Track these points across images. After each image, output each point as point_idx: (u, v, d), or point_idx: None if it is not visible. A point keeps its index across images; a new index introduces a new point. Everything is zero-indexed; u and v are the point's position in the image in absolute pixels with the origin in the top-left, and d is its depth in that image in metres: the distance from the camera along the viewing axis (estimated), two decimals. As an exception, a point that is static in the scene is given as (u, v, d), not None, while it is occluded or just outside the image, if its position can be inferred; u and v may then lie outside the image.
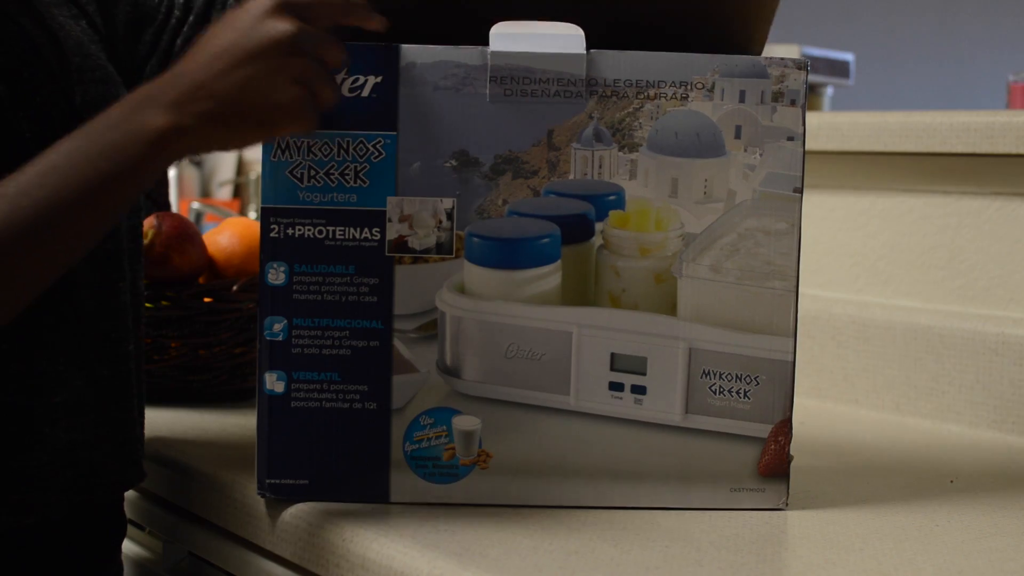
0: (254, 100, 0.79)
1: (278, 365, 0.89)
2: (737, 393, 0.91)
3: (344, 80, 0.87)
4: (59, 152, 0.80)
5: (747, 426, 0.91)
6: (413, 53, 0.87)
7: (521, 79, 0.88)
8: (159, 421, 1.14)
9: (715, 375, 0.91)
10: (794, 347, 0.91)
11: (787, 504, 0.91)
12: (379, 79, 0.87)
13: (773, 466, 0.91)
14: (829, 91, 1.98)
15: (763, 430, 0.91)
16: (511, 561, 0.79)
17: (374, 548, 0.82)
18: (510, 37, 0.89)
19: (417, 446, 0.90)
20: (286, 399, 0.89)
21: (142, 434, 1.03)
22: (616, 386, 0.91)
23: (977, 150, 1.26)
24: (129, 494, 1.11)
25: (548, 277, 0.90)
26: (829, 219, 1.39)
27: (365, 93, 0.87)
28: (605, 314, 0.90)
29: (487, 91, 0.88)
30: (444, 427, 0.90)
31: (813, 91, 1.84)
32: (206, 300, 1.22)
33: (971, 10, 3.99)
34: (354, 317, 0.89)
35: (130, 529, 1.15)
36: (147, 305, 1.21)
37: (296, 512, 0.89)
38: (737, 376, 0.91)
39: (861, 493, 0.98)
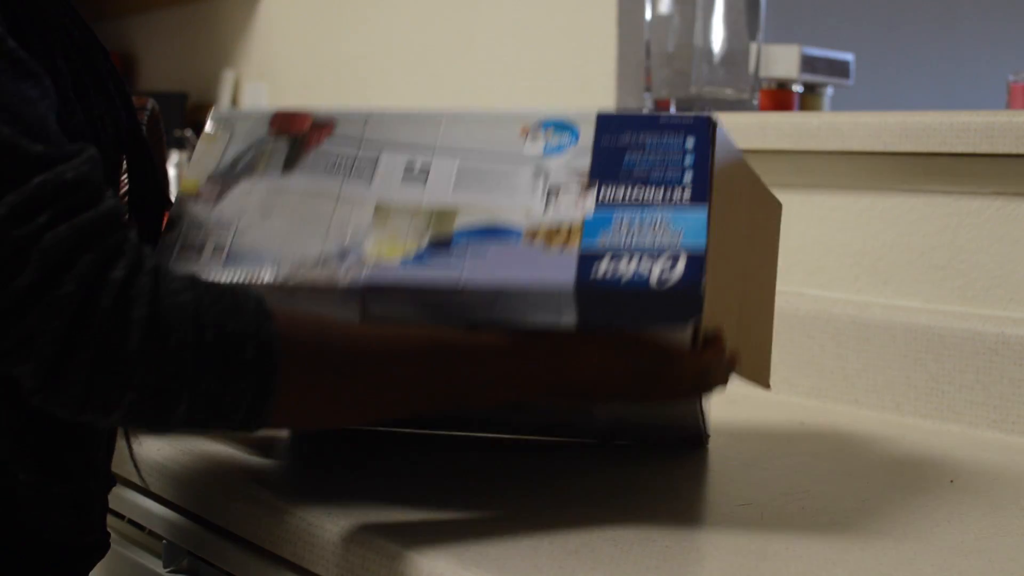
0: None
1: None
2: None
3: None
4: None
5: None
6: None
7: None
8: (159, 421, 1.14)
9: None
10: None
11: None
12: None
13: None
14: (829, 91, 1.98)
15: None
16: (511, 561, 0.79)
17: (374, 548, 0.82)
18: None
19: None
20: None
21: None
22: None
23: (977, 150, 1.26)
24: (129, 493, 1.11)
25: None
26: (829, 219, 1.39)
27: None
28: None
29: None
30: None
31: (813, 91, 1.84)
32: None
33: (971, 10, 3.98)
34: None
35: (130, 529, 1.15)
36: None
37: (297, 512, 0.89)
38: None
39: (861, 493, 0.98)
